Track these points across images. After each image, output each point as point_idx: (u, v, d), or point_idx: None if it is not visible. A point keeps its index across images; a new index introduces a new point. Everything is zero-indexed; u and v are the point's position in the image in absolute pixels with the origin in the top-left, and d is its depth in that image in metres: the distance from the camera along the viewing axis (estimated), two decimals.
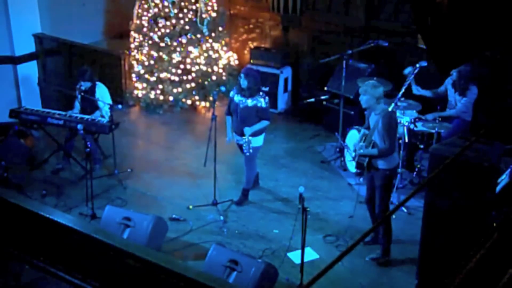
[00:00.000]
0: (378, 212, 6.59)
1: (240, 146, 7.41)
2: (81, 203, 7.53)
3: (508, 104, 8.26)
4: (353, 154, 6.64)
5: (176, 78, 10.09)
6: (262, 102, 7.21)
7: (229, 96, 7.52)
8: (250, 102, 7.21)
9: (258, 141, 7.36)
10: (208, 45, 10.25)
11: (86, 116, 8.04)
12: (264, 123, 7.28)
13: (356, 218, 7.22)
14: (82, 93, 8.06)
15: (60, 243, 4.99)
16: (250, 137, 7.15)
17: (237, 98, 7.31)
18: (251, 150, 7.17)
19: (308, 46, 10.33)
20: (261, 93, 7.30)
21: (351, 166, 8.27)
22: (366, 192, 6.80)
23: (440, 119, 7.71)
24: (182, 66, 10.09)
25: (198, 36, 10.12)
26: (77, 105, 8.28)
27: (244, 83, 7.18)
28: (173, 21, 10.02)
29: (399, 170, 7.67)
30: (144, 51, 10.16)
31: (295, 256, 6.55)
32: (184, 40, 10.03)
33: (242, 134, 7.22)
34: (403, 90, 7.93)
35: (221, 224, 7.25)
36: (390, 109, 7.61)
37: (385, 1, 9.43)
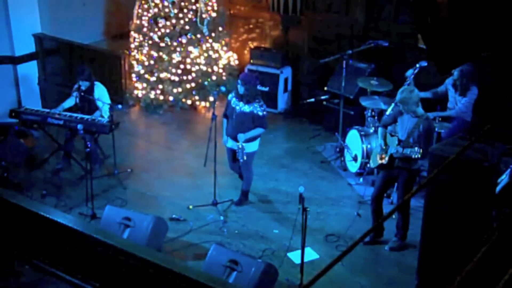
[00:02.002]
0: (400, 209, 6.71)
1: (234, 151, 7.39)
2: (81, 203, 7.52)
3: (508, 104, 8.25)
4: (383, 154, 6.64)
5: (176, 78, 10.09)
6: (259, 110, 7.17)
7: (227, 99, 7.51)
8: (247, 108, 7.17)
9: (253, 146, 7.35)
10: (208, 45, 10.24)
11: (86, 116, 8.03)
12: (259, 131, 7.25)
13: (357, 218, 7.23)
14: (82, 93, 8.06)
15: (60, 243, 5.00)
16: (244, 144, 7.15)
17: (234, 102, 7.28)
18: (245, 157, 7.16)
19: (308, 46, 10.33)
20: (259, 100, 7.23)
21: (351, 166, 8.27)
22: (377, 190, 6.81)
23: (440, 119, 7.71)
24: (182, 66, 10.08)
25: (198, 36, 10.12)
26: (66, 104, 8.23)
27: (241, 89, 7.15)
28: (173, 21, 10.02)
29: None
30: (144, 51, 10.16)
31: (295, 256, 6.55)
32: (184, 40, 10.03)
33: (236, 139, 7.21)
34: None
35: (221, 224, 7.25)
36: (389, 110, 7.64)
37: (385, 1, 9.42)
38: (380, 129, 6.88)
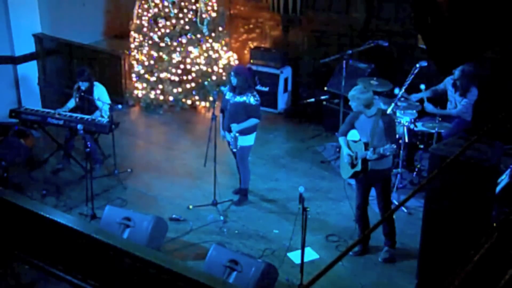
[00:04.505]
0: (383, 212, 6.62)
1: (229, 143, 7.45)
2: (81, 203, 7.53)
3: (508, 104, 8.26)
4: (353, 161, 6.55)
5: (176, 78, 10.09)
6: (251, 99, 7.20)
7: (224, 93, 7.56)
8: (239, 99, 7.22)
9: (248, 140, 7.37)
10: (208, 45, 10.24)
11: (86, 116, 8.04)
12: (253, 121, 7.26)
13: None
14: (82, 93, 8.06)
15: (60, 243, 4.99)
16: (238, 135, 7.18)
17: (228, 94, 7.35)
18: (238, 147, 7.23)
19: (308, 46, 10.34)
20: (252, 91, 7.28)
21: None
22: (360, 199, 6.66)
23: (440, 118, 7.71)
24: (182, 66, 10.09)
25: (198, 36, 10.12)
26: (70, 104, 8.25)
27: (234, 81, 7.22)
28: (173, 21, 10.02)
29: (399, 170, 7.68)
30: (144, 51, 10.16)
31: (295, 256, 6.55)
32: (184, 40, 10.03)
33: (230, 130, 7.26)
34: (403, 90, 7.94)
35: (221, 224, 7.25)
36: (389, 109, 7.63)
37: (385, 1, 9.43)
38: (341, 139, 6.70)
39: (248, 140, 7.36)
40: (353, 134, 8.17)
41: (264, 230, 7.18)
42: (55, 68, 10.22)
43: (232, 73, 7.26)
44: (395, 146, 6.21)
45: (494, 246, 4.10)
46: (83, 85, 8.08)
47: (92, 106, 8.16)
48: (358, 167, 6.49)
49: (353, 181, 8.07)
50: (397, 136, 6.59)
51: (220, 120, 7.56)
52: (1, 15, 9.40)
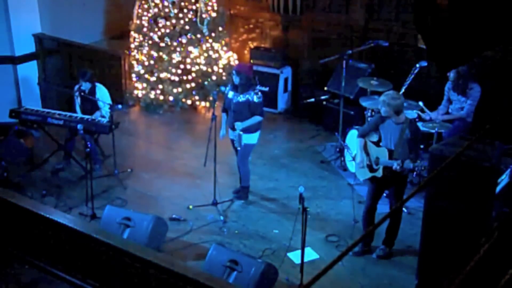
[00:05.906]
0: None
1: (233, 141, 7.48)
2: (81, 203, 7.53)
3: (508, 104, 8.26)
4: (373, 166, 6.49)
5: (176, 78, 10.09)
6: (254, 97, 7.22)
7: (224, 93, 7.57)
8: (242, 98, 7.23)
9: (252, 138, 7.38)
10: (208, 45, 10.24)
11: (86, 116, 8.04)
12: (256, 119, 7.28)
13: (357, 218, 7.22)
14: (83, 93, 8.07)
15: (60, 243, 5.00)
16: (242, 133, 7.22)
17: (231, 93, 7.36)
18: (242, 145, 7.27)
19: (308, 46, 10.33)
20: (254, 89, 7.31)
21: (352, 166, 8.27)
22: (371, 202, 6.60)
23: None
24: (182, 66, 10.09)
25: (198, 36, 10.12)
26: (78, 109, 8.29)
27: (236, 79, 7.25)
28: (173, 21, 10.02)
29: None
30: (144, 51, 10.15)
31: (295, 256, 6.55)
32: (184, 40, 10.03)
33: (234, 128, 7.29)
34: (403, 90, 7.94)
35: (221, 224, 7.25)
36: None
37: (385, 1, 9.43)
38: (359, 140, 6.61)
39: (252, 138, 7.38)
40: (353, 135, 8.21)
41: (264, 230, 7.18)
42: (55, 68, 10.22)
43: (234, 72, 7.30)
44: (426, 164, 6.10)
45: (494, 247, 4.11)
46: (85, 86, 8.08)
47: (94, 106, 8.16)
48: (379, 173, 6.41)
49: (353, 181, 8.11)
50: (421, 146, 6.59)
51: (223, 120, 7.56)
52: (1, 15, 9.40)
